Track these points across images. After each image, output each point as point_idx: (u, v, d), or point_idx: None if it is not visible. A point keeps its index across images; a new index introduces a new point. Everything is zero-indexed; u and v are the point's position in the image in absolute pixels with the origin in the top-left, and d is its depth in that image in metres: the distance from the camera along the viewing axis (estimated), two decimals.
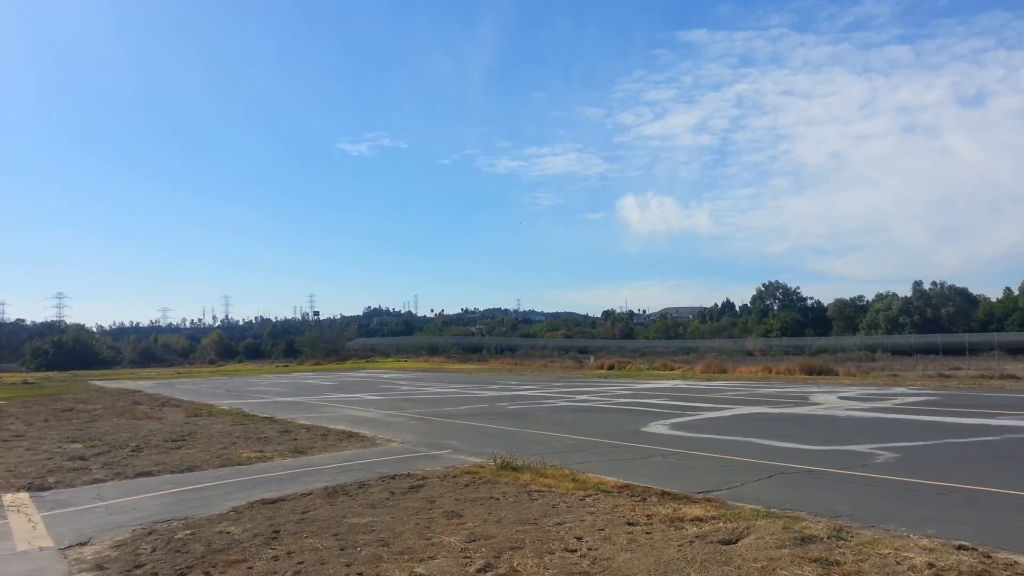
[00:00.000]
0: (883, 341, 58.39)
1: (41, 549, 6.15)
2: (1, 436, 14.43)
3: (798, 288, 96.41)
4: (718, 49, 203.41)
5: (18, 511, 7.66)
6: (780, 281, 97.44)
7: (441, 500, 7.66)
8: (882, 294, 79.92)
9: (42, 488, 8.93)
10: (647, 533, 6.26)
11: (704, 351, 58.58)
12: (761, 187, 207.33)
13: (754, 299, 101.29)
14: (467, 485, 8.46)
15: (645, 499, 7.66)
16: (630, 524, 6.58)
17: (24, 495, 8.50)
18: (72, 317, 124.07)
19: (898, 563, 5.17)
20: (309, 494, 8.13)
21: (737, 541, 5.89)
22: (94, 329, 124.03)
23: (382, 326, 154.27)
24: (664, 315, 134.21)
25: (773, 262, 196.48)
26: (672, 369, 41.72)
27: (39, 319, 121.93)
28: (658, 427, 14.47)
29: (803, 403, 19.86)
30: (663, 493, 7.91)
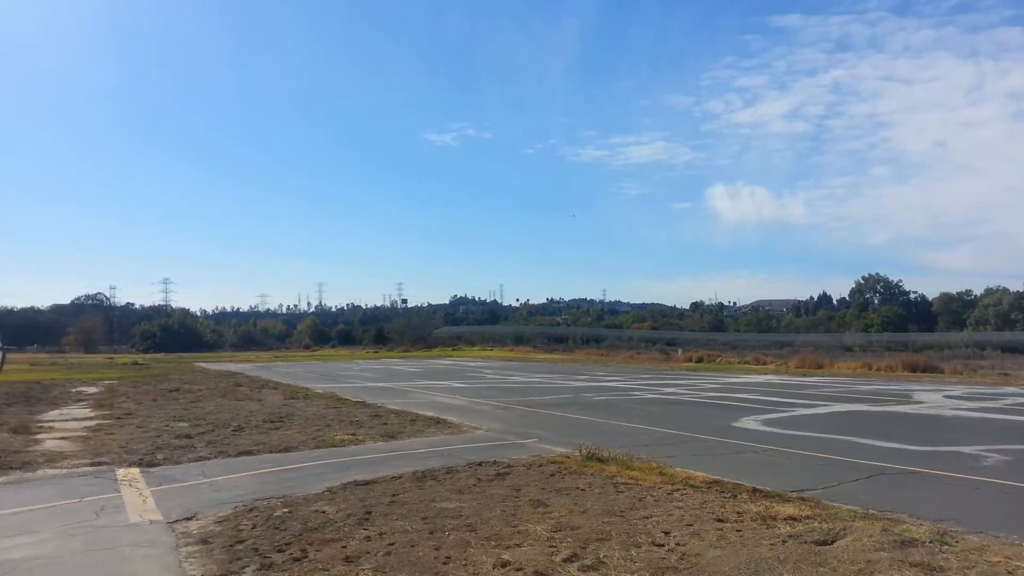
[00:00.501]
0: (992, 338, 55.02)
1: (151, 522, 6.53)
2: (114, 414, 15.39)
3: (900, 281, 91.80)
4: (813, 34, 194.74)
5: (130, 485, 8.15)
6: (881, 274, 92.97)
7: (527, 488, 7.71)
8: (991, 288, 75.14)
9: (151, 464, 9.47)
10: (737, 530, 6.12)
11: (799, 345, 56.64)
12: (859, 176, 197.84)
13: (853, 292, 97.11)
14: (553, 475, 8.48)
15: (735, 496, 7.48)
16: (720, 520, 6.45)
17: (135, 470, 9.05)
18: (178, 302, 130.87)
19: (1009, 572, 4.87)
20: (399, 477, 8.33)
21: (833, 542, 5.69)
22: (198, 313, 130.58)
23: (468, 315, 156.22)
24: (756, 308, 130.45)
25: (873, 254, 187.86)
26: (764, 363, 40.55)
27: (147, 303, 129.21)
28: (749, 423, 14.10)
29: (905, 401, 18.94)
30: (754, 490, 7.70)
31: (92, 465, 9.36)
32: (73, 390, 21.95)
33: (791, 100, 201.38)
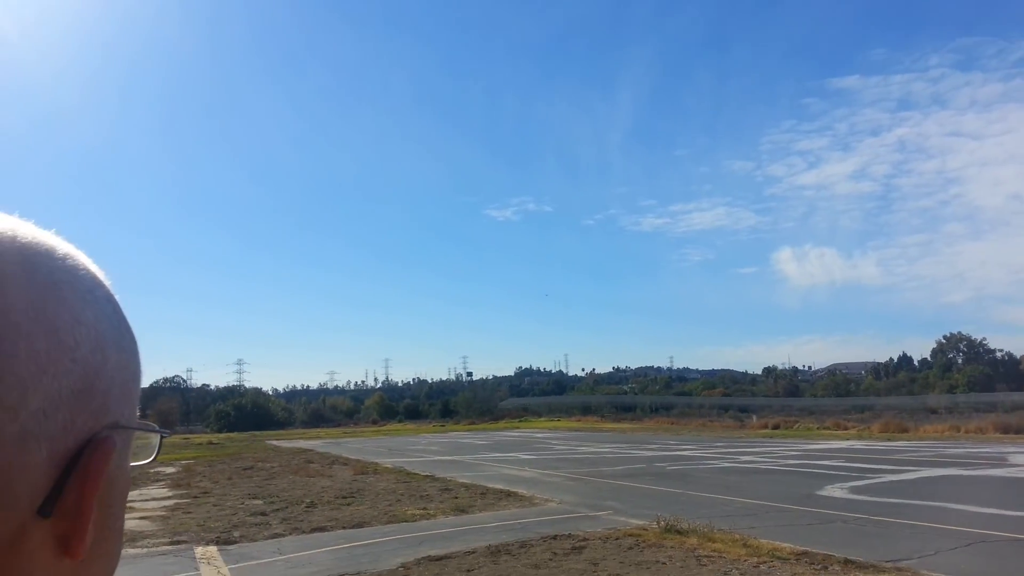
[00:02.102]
0: None
1: None
2: (191, 493, 15.68)
3: (984, 339, 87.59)
4: (873, 94, 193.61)
5: (208, 563, 8.23)
6: (963, 332, 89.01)
7: (605, 563, 7.46)
8: None
9: (228, 542, 9.55)
10: None
11: (880, 409, 54.09)
12: (933, 233, 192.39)
13: (934, 352, 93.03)
14: (631, 548, 8.20)
15: (827, 567, 7.09)
16: None
17: (213, 548, 9.13)
18: (251, 381, 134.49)
19: None
20: (473, 552, 8.18)
21: None
22: (270, 392, 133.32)
23: (533, 386, 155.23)
24: (832, 371, 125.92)
25: (953, 312, 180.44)
26: (845, 428, 38.83)
27: (222, 383, 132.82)
28: (835, 490, 13.43)
29: (1000, 464, 17.79)
30: (846, 561, 7.29)
31: (171, 544, 9.49)
32: (151, 470, 22.49)
33: (856, 160, 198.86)
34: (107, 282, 0.45)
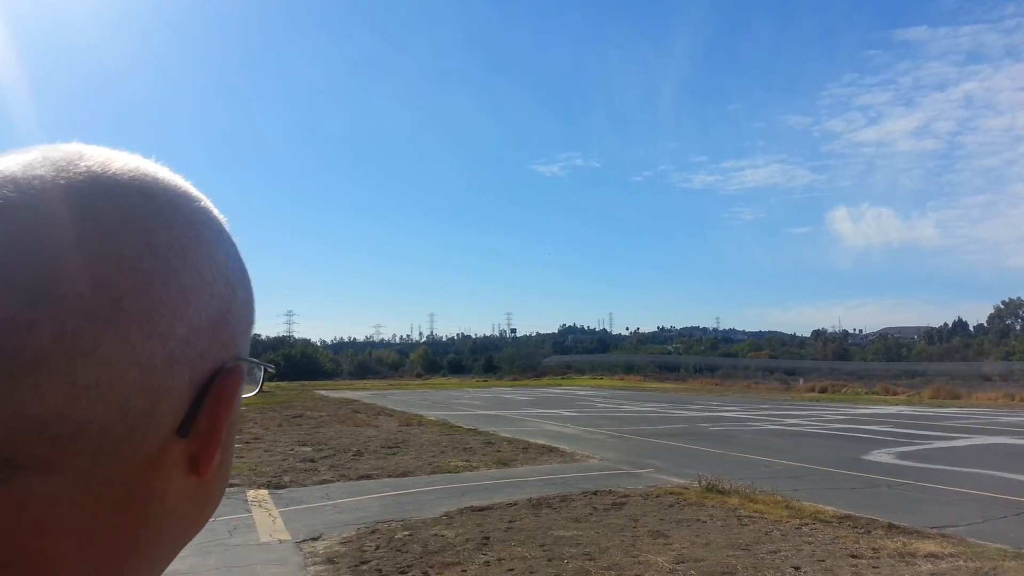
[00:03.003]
0: None
1: (280, 541, 6.81)
2: (243, 438, 16.21)
3: None
4: (941, 46, 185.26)
5: (259, 506, 8.54)
6: (1023, 298, 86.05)
7: (645, 519, 7.53)
8: None
9: (279, 486, 9.88)
10: (874, 567, 5.76)
11: (932, 375, 52.90)
12: (997, 194, 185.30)
13: (992, 318, 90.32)
14: (671, 506, 8.25)
15: (870, 531, 7.04)
16: (854, 556, 6.09)
17: (264, 492, 9.47)
18: (300, 333, 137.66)
19: None
20: (515, 504, 8.33)
21: None
22: (318, 343, 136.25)
23: (577, 344, 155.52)
24: (884, 335, 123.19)
25: (1013, 277, 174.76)
26: (895, 394, 38.15)
27: (272, 334, 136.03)
28: (881, 455, 13.26)
29: None
30: (890, 526, 7.23)
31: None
32: None
33: (919, 116, 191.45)
34: (227, 226, 0.48)
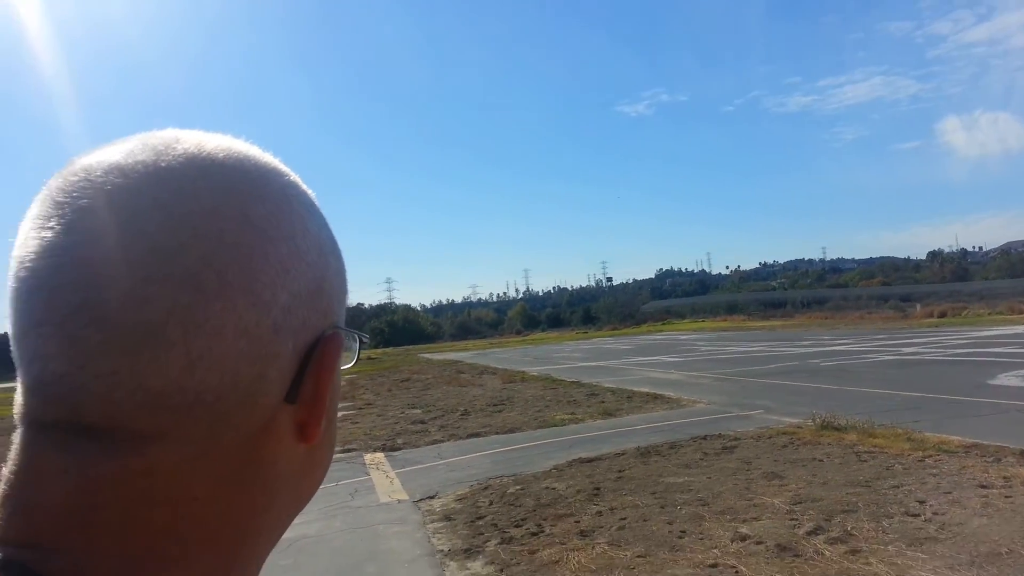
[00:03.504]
0: None
1: (399, 501, 7.08)
2: (356, 404, 16.89)
3: None
4: None
5: (377, 468, 8.90)
6: None
7: (758, 461, 7.39)
8: None
9: (393, 448, 10.26)
10: (1007, 496, 5.46)
11: None
12: None
13: None
14: (785, 446, 8.06)
15: (1000, 459, 6.67)
16: (983, 487, 5.79)
17: (380, 455, 9.85)
18: (400, 299, 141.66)
19: None
20: (623, 454, 8.34)
21: None
22: (418, 308, 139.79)
23: (675, 287, 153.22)
24: (1006, 250, 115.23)
25: None
26: (1021, 312, 35.76)
27: (374, 302, 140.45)
28: (1010, 379, 12.49)
29: None
30: (1022, 453, 6.82)
31: (343, 451, 10.31)
32: None
33: None
34: (316, 200, 0.50)
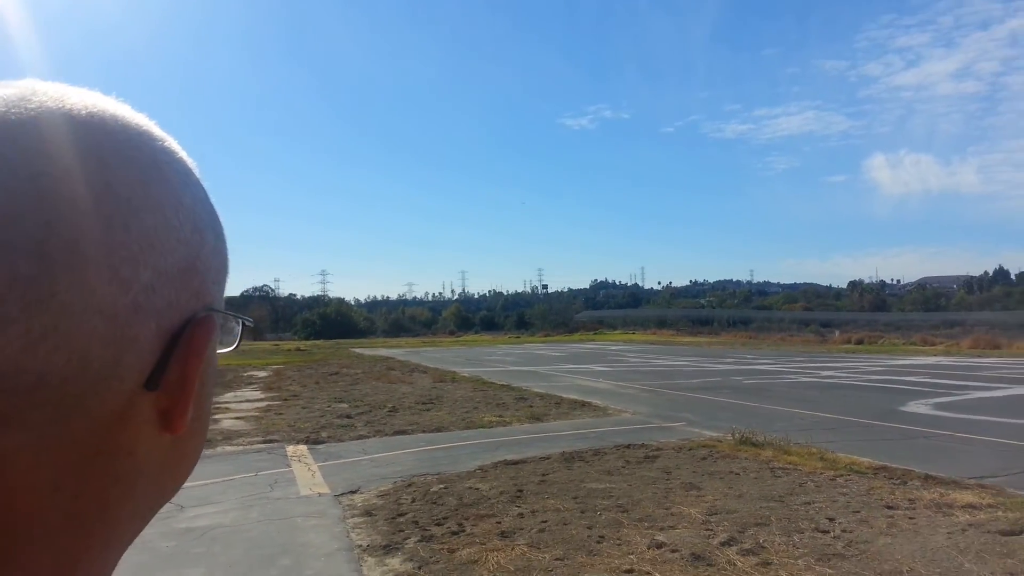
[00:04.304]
0: None
1: (320, 495, 6.97)
2: (282, 395, 16.55)
3: None
4: None
5: (299, 460, 8.74)
6: None
7: (678, 472, 7.56)
8: None
9: (317, 441, 10.09)
10: (910, 518, 5.73)
11: (972, 324, 51.81)
12: None
13: None
14: (704, 458, 8.27)
15: (906, 482, 7.00)
16: (889, 508, 6.06)
17: (303, 447, 9.68)
18: (334, 292, 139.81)
19: None
20: (547, 458, 8.42)
21: (1021, 532, 5.20)
22: (352, 302, 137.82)
23: (609, 299, 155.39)
24: (922, 285, 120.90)
25: None
26: (933, 344, 37.60)
27: (307, 293, 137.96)
28: (918, 407, 13.12)
29: None
30: (927, 477, 7.17)
31: (265, 442, 10.10)
32: (245, 374, 23.81)
33: (960, 58, 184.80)
34: (196, 170, 0.46)
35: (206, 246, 0.43)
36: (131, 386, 0.39)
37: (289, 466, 8.40)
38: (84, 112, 0.39)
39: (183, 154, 0.45)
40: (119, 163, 0.39)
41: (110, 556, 0.41)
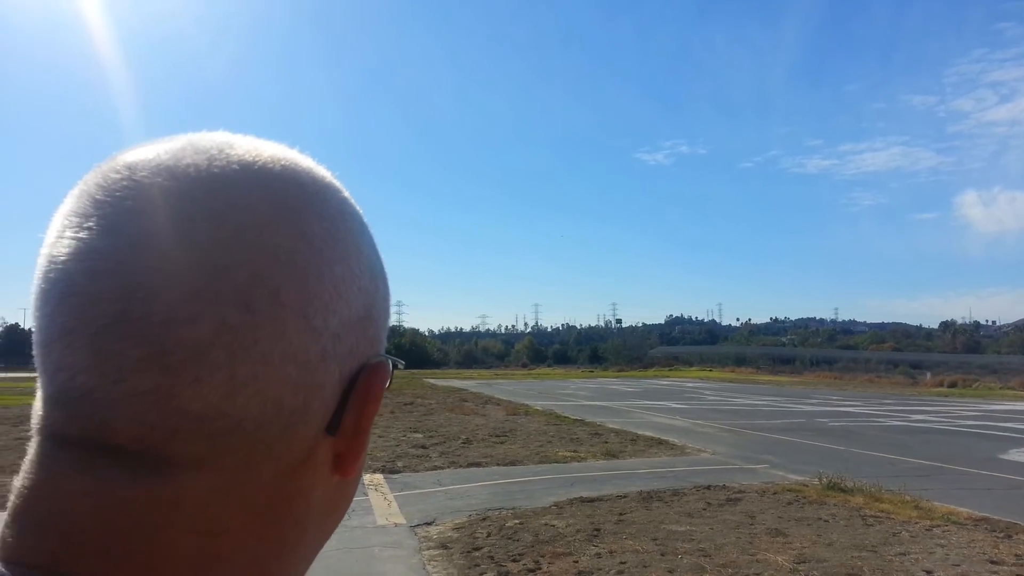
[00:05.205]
0: None
1: (396, 525, 7.00)
2: None
3: None
4: None
5: (375, 490, 8.81)
6: None
7: (762, 516, 7.27)
8: None
9: (393, 471, 10.17)
10: (1018, 574, 5.33)
11: None
12: None
13: None
14: (790, 503, 7.93)
15: (1011, 536, 6.54)
16: (993, 563, 5.67)
17: (379, 476, 9.76)
18: (409, 322, 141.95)
19: None
20: (624, 496, 8.23)
21: None
22: (426, 333, 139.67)
23: (684, 335, 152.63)
24: (1021, 327, 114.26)
25: None
26: None
27: None
28: (1020, 455, 12.29)
29: None
30: None
31: None
32: None
33: None
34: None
35: (379, 293, 0.44)
36: (315, 431, 0.40)
37: (366, 495, 8.47)
38: (279, 165, 0.40)
39: (357, 205, 0.46)
40: (312, 215, 0.40)
41: None
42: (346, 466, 0.42)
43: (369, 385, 0.42)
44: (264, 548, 0.39)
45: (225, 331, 0.35)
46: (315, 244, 0.39)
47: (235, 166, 0.39)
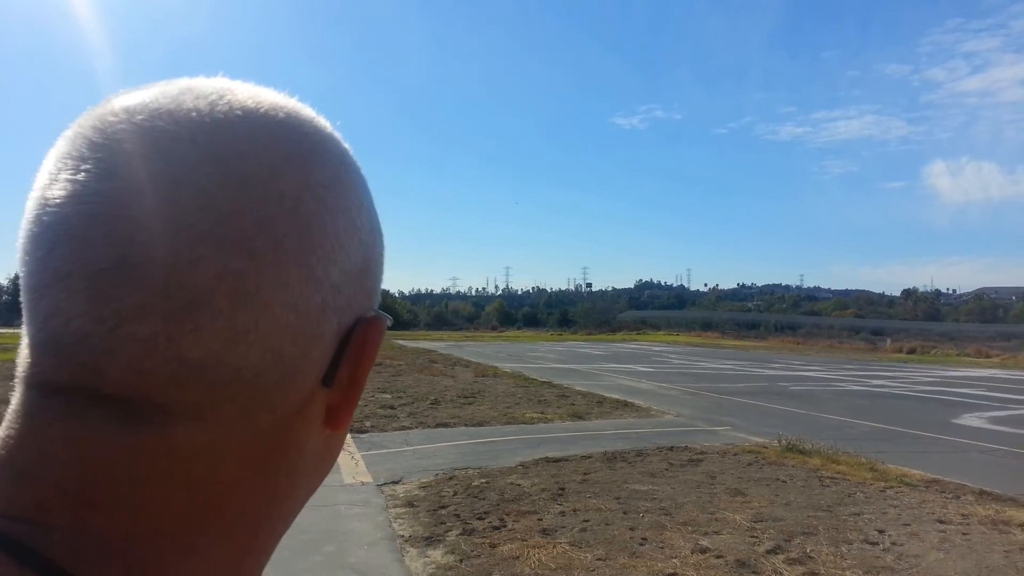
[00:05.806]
0: None
1: (363, 484, 7.05)
2: None
3: None
4: None
5: (343, 449, 8.85)
6: None
7: (722, 476, 7.46)
8: None
9: (361, 431, 10.20)
10: (963, 534, 5.56)
11: None
12: None
13: None
14: (750, 464, 8.14)
15: (959, 497, 6.79)
16: (941, 522, 5.89)
17: (347, 435, 9.79)
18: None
19: None
20: (589, 457, 8.37)
21: None
22: (396, 294, 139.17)
23: (653, 299, 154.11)
24: (979, 295, 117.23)
25: None
26: (989, 356, 36.44)
27: None
28: (973, 420, 12.71)
29: None
30: (981, 492, 6.95)
31: None
32: None
33: None
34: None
35: (377, 248, 0.44)
36: (312, 382, 0.39)
37: None
38: (283, 113, 0.40)
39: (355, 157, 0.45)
40: (315, 165, 0.39)
41: (269, 551, 0.42)
42: (338, 419, 0.41)
43: (365, 338, 0.41)
44: (255, 500, 0.39)
45: (228, 278, 0.34)
46: (319, 193, 0.38)
47: (238, 112, 0.38)
